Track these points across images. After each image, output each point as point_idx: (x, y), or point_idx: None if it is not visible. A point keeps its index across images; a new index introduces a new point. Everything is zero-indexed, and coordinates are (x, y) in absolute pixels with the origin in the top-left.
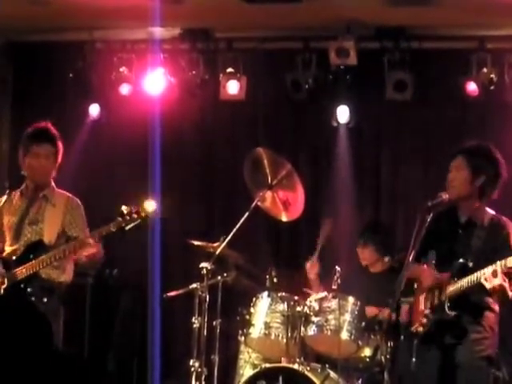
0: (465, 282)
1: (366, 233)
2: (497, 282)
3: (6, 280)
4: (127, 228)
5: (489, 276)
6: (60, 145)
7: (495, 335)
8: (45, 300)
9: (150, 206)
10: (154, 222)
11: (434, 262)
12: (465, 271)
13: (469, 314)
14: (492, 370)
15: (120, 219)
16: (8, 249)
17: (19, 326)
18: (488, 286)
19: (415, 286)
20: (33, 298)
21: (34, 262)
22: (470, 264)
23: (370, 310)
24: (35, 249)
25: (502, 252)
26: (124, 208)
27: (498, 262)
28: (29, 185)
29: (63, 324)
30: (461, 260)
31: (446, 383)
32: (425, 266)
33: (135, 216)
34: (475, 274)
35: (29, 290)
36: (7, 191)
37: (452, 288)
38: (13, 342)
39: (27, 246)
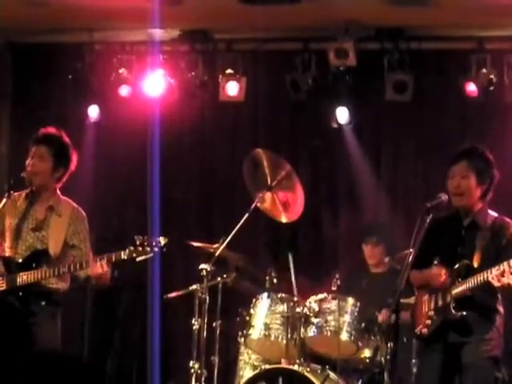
0: (471, 282)
1: (378, 231)
2: (506, 280)
3: (4, 283)
4: (138, 259)
5: (497, 275)
6: (65, 151)
7: (500, 336)
8: (43, 303)
9: (163, 241)
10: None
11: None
12: (469, 272)
13: (475, 314)
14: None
15: (132, 248)
16: (9, 251)
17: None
18: (497, 284)
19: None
20: (30, 301)
21: (36, 271)
22: (475, 265)
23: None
24: (39, 257)
25: (507, 252)
26: (136, 237)
27: (505, 262)
28: (30, 187)
29: (63, 326)
30: (465, 261)
31: (450, 383)
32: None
33: (148, 249)
34: (481, 274)
35: (26, 294)
36: (6, 194)
37: (457, 289)
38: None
39: (32, 253)
